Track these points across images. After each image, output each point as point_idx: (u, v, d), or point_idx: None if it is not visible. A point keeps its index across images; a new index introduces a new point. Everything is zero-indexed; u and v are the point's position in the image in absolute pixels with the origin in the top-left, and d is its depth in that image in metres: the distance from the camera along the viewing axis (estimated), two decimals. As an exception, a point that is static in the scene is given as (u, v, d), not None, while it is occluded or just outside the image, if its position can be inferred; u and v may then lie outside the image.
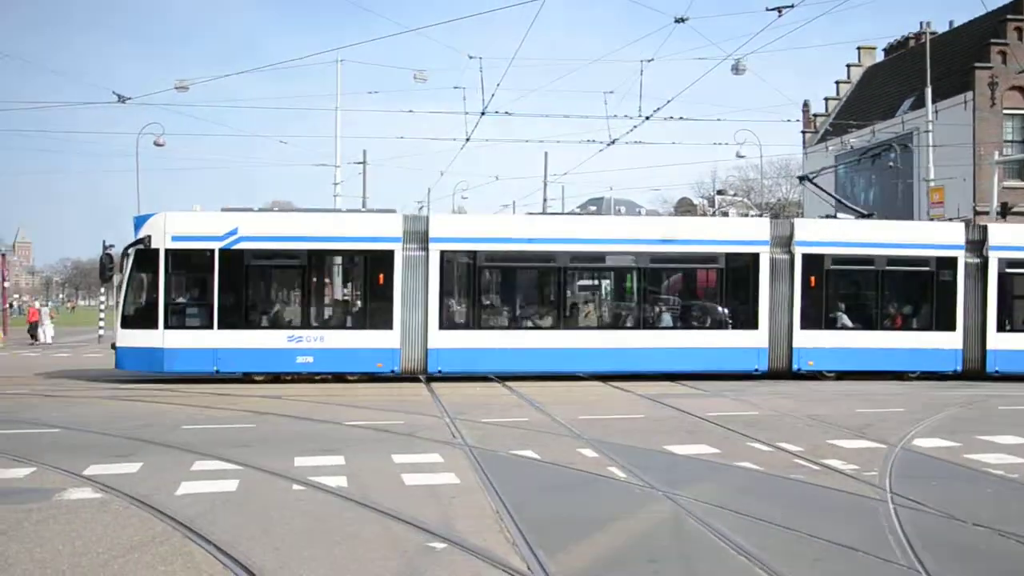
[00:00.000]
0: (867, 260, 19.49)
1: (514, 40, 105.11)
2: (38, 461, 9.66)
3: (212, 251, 17.87)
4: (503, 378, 18.52)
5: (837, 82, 43.99)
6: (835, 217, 21.51)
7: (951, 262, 19.46)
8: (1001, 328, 19.49)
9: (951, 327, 19.31)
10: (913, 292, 20.17)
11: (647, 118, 23.11)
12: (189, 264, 18.26)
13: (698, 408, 14.15)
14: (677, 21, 18.00)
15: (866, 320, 19.70)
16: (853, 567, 6.32)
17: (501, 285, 20.36)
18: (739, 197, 75.77)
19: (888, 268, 19.58)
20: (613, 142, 25.47)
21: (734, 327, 19.20)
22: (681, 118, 26.50)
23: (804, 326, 19.03)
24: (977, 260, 19.57)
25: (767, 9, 16.18)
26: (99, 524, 7.23)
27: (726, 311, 19.41)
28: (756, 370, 18.92)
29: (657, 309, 19.49)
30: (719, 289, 19.61)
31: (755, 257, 19.07)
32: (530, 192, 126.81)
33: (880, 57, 43.61)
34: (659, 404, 14.97)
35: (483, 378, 18.64)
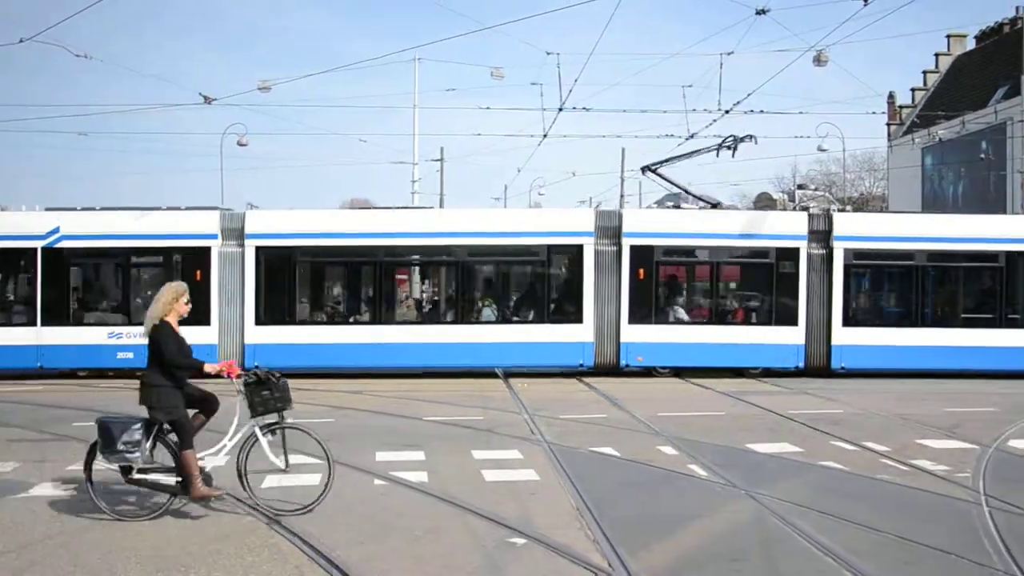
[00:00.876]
0: (701, 251, 18.91)
1: (592, 35, 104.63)
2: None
3: (35, 250, 18.24)
4: (575, 375, 18.44)
5: (924, 72, 42.71)
6: (678, 207, 20.69)
7: (792, 253, 18.65)
8: (847, 322, 18.61)
9: (793, 322, 18.48)
10: (754, 285, 19.45)
11: (726, 112, 22.72)
12: (13, 263, 18.82)
13: (780, 405, 13.90)
14: (758, 13, 17.64)
15: (703, 314, 19.05)
16: (947, 570, 6.14)
17: (320, 281, 20.61)
18: (820, 192, 74.27)
19: (726, 260, 19.03)
20: (692, 136, 25.10)
21: (558, 321, 18.71)
22: (761, 111, 26.05)
23: (633, 320, 18.41)
24: (822, 251, 18.77)
25: (852, -2, 15.74)
26: (188, 515, 7.43)
27: (551, 305, 19.02)
28: (581, 365, 18.39)
29: (479, 303, 19.20)
30: (543, 282, 19.14)
31: (579, 249, 18.56)
32: (607, 188, 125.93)
33: (971, 45, 42.17)
34: (740, 401, 14.75)
35: (561, 375, 18.61)
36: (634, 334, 18.44)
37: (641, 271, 18.61)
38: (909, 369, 18.32)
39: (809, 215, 19.52)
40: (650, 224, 19.24)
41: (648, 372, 18.62)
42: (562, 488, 8.43)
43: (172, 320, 7.39)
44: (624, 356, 18.42)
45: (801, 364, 18.53)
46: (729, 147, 19.72)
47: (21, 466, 9.33)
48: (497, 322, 18.99)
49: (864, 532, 6.90)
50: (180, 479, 7.22)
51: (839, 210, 20.94)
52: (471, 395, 15.61)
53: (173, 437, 7.33)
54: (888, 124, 42.26)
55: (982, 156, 33.86)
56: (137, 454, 7.11)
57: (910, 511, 7.72)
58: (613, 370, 18.57)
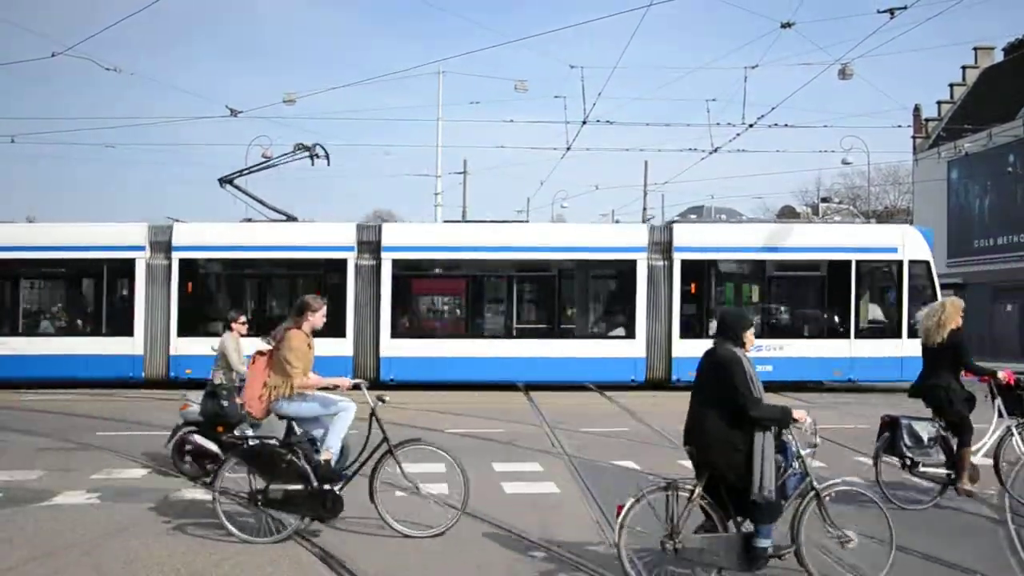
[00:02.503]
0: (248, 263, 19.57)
1: (615, 49, 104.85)
2: (154, 462, 10.06)
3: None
4: (600, 387, 18.38)
5: (951, 85, 42.35)
6: (250, 220, 20.54)
7: (341, 264, 18.99)
8: (684, 335, 18.87)
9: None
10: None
11: (750, 126, 22.68)
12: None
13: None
14: (783, 26, 17.61)
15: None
16: (971, 590, 6.05)
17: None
18: (844, 205, 73.80)
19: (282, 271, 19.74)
20: (715, 150, 25.10)
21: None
22: (786, 125, 26.05)
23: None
24: (372, 262, 18.99)
25: (878, 11, 15.65)
26: (210, 525, 7.46)
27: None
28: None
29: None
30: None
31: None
32: (630, 201, 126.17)
33: (999, 57, 41.81)
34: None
35: (580, 387, 18.57)
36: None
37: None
38: None
39: (358, 227, 19.80)
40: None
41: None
42: (583, 501, 8.41)
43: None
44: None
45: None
46: (304, 157, 19.95)
47: (47, 474, 9.42)
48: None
49: (887, 549, 6.82)
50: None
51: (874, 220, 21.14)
52: (492, 407, 15.61)
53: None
54: (914, 137, 41.93)
55: (1009, 169, 33.53)
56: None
57: (935, 528, 7.62)
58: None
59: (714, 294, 19.87)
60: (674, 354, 18.81)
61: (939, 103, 42.56)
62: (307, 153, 19.73)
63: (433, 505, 7.36)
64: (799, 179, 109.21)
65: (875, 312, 19.90)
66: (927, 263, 19.39)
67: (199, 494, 8.59)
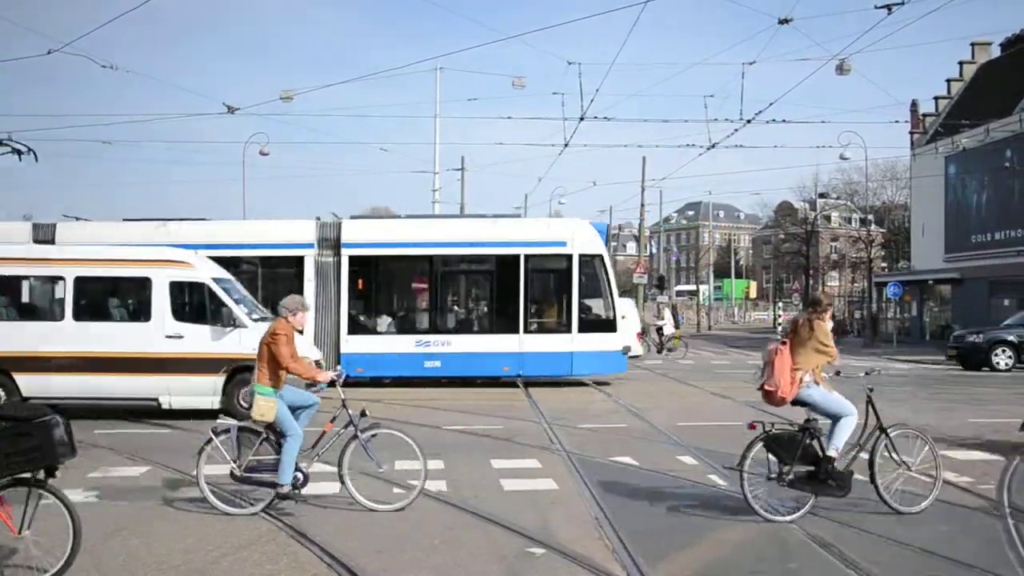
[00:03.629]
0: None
1: (613, 45, 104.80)
2: (152, 460, 10.08)
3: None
4: (596, 384, 18.40)
5: (948, 80, 42.39)
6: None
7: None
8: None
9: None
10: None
11: (748, 121, 22.67)
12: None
13: (801, 415, 13.75)
14: (781, 22, 17.61)
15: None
16: (969, 584, 6.06)
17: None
18: (842, 200, 73.81)
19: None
20: (713, 146, 25.10)
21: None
22: (784, 121, 26.18)
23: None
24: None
25: (876, 7, 15.64)
26: (209, 523, 7.47)
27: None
28: None
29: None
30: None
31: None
32: (628, 197, 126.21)
33: (996, 53, 41.84)
34: (760, 411, 14.63)
35: (578, 383, 18.58)
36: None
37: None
38: None
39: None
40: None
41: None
42: (581, 498, 8.41)
43: None
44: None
45: None
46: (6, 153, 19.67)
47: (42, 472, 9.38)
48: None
49: (886, 544, 6.84)
50: None
51: (878, 221, 20.96)
52: (490, 404, 15.61)
53: None
54: (911, 133, 41.95)
55: (1007, 164, 33.55)
56: None
57: (933, 523, 7.63)
58: None
59: (382, 290, 19.86)
60: (342, 350, 18.57)
61: (936, 99, 42.58)
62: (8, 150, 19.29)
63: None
64: (797, 175, 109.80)
65: (545, 307, 19.96)
66: (599, 257, 19.45)
67: (197, 492, 8.57)
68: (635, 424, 13.33)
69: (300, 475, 7.77)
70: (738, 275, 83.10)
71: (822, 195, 72.34)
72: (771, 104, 28.69)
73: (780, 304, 54.03)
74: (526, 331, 18.97)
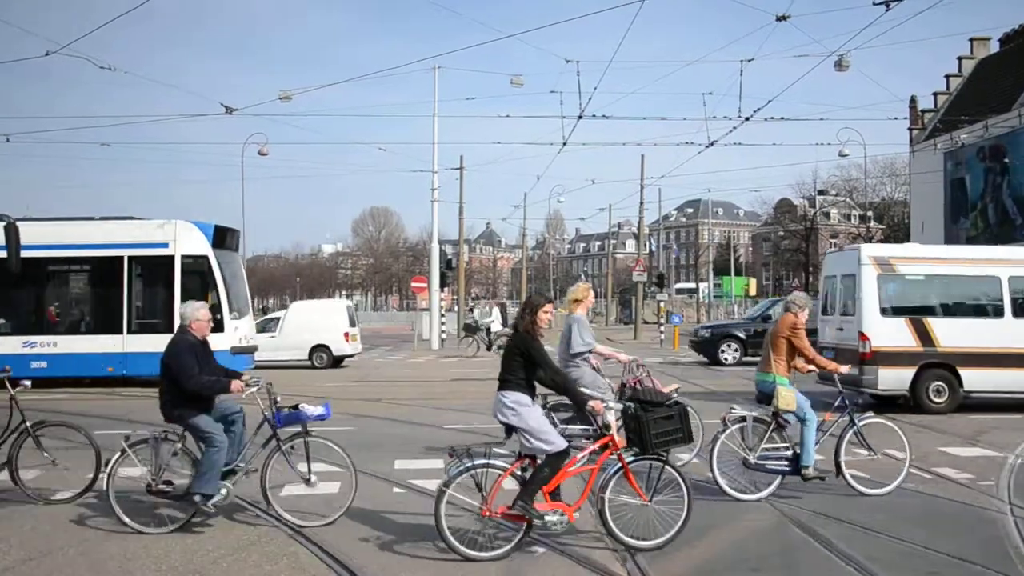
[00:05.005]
0: None
1: (611, 43, 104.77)
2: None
3: None
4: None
5: (947, 76, 42.32)
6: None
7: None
8: None
9: None
10: None
11: (747, 119, 22.69)
12: None
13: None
14: (779, 19, 17.59)
15: None
16: (970, 581, 6.04)
17: None
18: (841, 197, 73.85)
19: None
20: (712, 144, 25.13)
21: None
22: (782, 118, 25.93)
23: None
24: None
25: (874, 3, 15.61)
26: (208, 523, 7.45)
27: None
28: None
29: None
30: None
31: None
32: (627, 195, 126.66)
33: (995, 48, 41.77)
34: (761, 407, 14.61)
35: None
36: None
37: None
38: None
39: None
40: None
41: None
42: (581, 496, 8.36)
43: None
44: None
45: None
46: None
47: (42, 474, 9.36)
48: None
49: (886, 541, 6.83)
50: None
51: (878, 217, 20.83)
52: (490, 402, 15.55)
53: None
54: (910, 129, 41.88)
55: (1006, 160, 33.53)
56: None
57: (933, 519, 7.62)
58: None
59: None
60: None
61: (935, 94, 42.51)
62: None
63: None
64: (796, 172, 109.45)
65: (149, 307, 20.15)
66: (204, 257, 19.57)
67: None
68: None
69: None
70: (738, 272, 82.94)
71: (821, 192, 72.35)
72: (770, 101, 28.84)
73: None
74: (130, 331, 19.39)
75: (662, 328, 37.45)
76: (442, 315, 35.24)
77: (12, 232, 13.99)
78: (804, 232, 62.01)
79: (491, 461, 6.45)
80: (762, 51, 77.34)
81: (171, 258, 19.43)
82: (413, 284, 41.05)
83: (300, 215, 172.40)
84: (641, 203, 46.81)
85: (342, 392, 17.59)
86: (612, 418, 6.66)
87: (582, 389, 7.70)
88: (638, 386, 8.67)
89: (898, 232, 60.39)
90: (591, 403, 6.70)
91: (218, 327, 17.96)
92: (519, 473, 6.53)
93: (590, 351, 9.23)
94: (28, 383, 8.93)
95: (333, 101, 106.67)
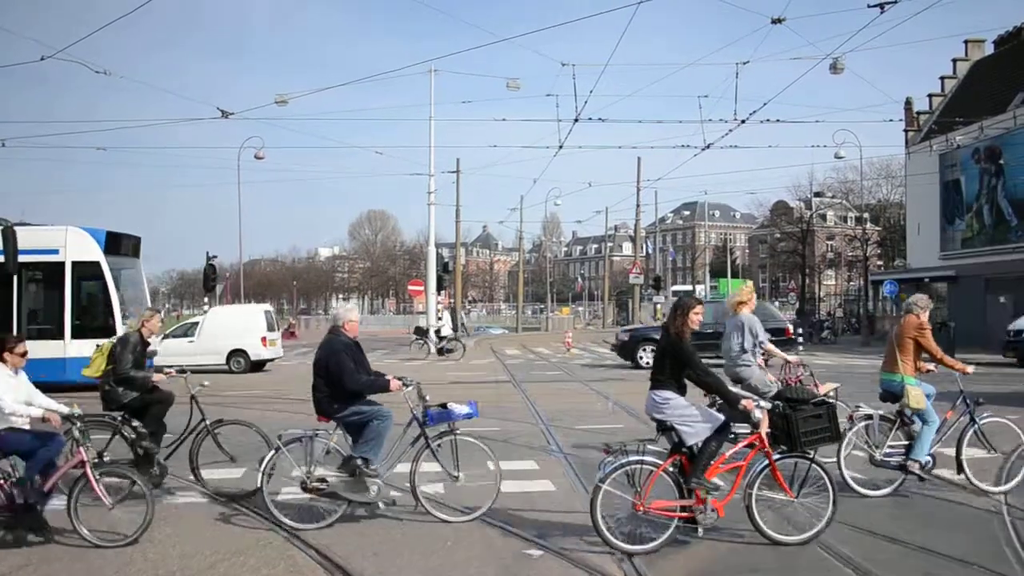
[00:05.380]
0: None
1: (607, 46, 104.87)
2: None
3: None
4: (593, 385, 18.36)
5: (942, 78, 42.41)
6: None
7: None
8: None
9: None
10: None
11: (743, 121, 22.69)
12: None
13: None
14: (774, 22, 17.62)
15: None
16: (968, 582, 6.05)
17: None
18: (837, 199, 73.92)
19: None
20: (708, 146, 25.13)
21: None
22: (778, 120, 25.97)
23: None
24: None
25: (868, 5, 15.64)
26: (206, 527, 7.44)
27: None
28: None
29: None
30: None
31: None
32: (624, 198, 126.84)
33: (989, 50, 41.87)
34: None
35: (577, 384, 18.54)
36: None
37: None
38: None
39: None
40: None
41: None
42: (579, 499, 8.37)
43: None
44: None
45: None
46: None
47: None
48: None
49: (884, 542, 6.84)
50: None
51: (874, 219, 20.95)
52: (486, 405, 15.55)
53: None
54: (905, 131, 41.96)
55: (1001, 162, 33.62)
56: None
57: (930, 520, 7.63)
58: None
59: None
60: None
61: (930, 96, 42.60)
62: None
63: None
64: (792, 174, 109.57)
65: (41, 313, 20.02)
66: (95, 263, 19.53)
67: (194, 496, 8.56)
68: (633, 425, 13.28)
69: None
70: (734, 275, 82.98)
71: (817, 194, 72.37)
72: (765, 104, 28.92)
73: (777, 303, 54.11)
74: None
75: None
76: (439, 317, 35.21)
77: (10, 236, 14.03)
78: (800, 234, 61.95)
79: (644, 458, 6.68)
80: (758, 53, 77.60)
81: (62, 264, 19.38)
82: (410, 287, 41.13)
83: (297, 218, 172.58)
84: (638, 205, 46.91)
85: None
86: (761, 416, 6.81)
87: (752, 386, 8.90)
88: (792, 385, 8.77)
89: (894, 234, 60.47)
90: (743, 402, 6.84)
91: (111, 332, 17.92)
92: (671, 470, 6.73)
93: (762, 350, 9.79)
94: (207, 382, 9.20)
95: (329, 105, 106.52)
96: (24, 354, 7.43)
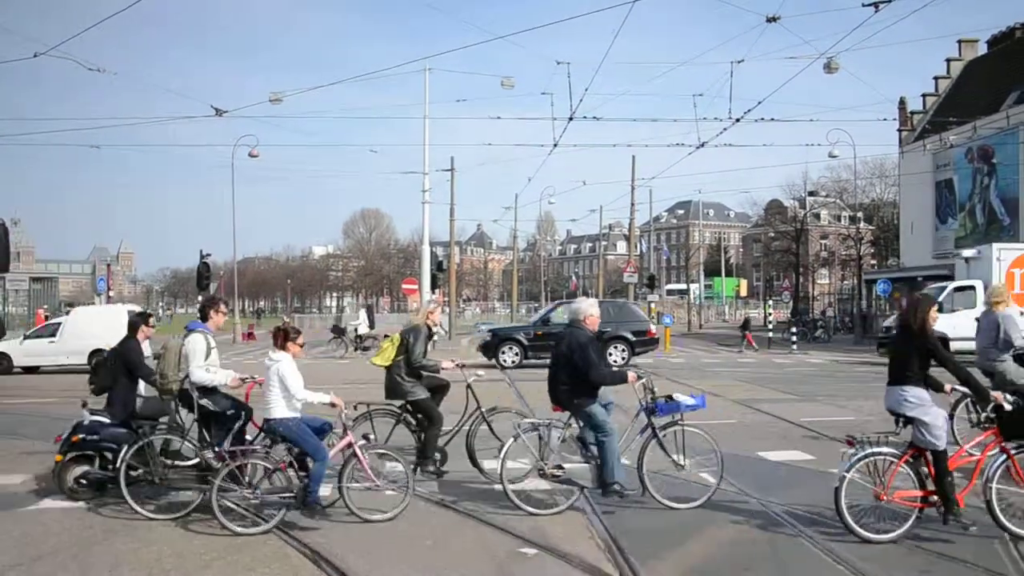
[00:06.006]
0: None
1: (602, 44, 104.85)
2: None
3: None
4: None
5: (936, 78, 42.54)
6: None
7: None
8: None
9: None
10: None
11: (737, 120, 22.69)
12: None
13: (792, 413, 13.82)
14: (768, 21, 17.63)
15: None
16: (961, 580, 6.07)
17: None
18: (831, 198, 74.02)
19: None
20: (702, 145, 25.12)
21: None
22: (772, 119, 25.95)
23: None
24: None
25: (863, 5, 15.66)
26: (201, 526, 7.42)
27: None
28: None
29: None
30: None
31: None
32: (618, 196, 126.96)
33: (983, 50, 42.01)
34: (751, 409, 14.68)
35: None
36: None
37: None
38: None
39: None
40: None
41: None
42: (572, 497, 8.37)
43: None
44: None
45: None
46: None
47: (31, 478, 9.34)
48: None
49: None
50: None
51: (867, 219, 21.14)
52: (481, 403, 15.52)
53: None
54: (899, 130, 42.08)
55: (994, 161, 33.74)
56: None
57: (924, 520, 7.64)
58: None
59: None
60: None
61: (924, 96, 42.73)
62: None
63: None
64: (786, 173, 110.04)
65: None
66: None
67: (187, 495, 8.53)
68: (626, 422, 13.28)
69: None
70: (728, 273, 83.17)
71: (811, 193, 72.46)
72: (760, 103, 28.84)
73: (771, 302, 54.17)
74: None
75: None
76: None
77: (3, 234, 13.96)
78: (794, 233, 62.05)
79: (885, 450, 6.94)
80: (752, 52, 77.65)
81: None
82: (404, 286, 41.09)
83: (291, 217, 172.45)
84: (632, 204, 46.84)
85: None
86: (1007, 407, 7.00)
87: (1009, 380, 9.24)
88: None
89: (887, 234, 60.60)
90: (993, 394, 7.05)
91: None
92: (911, 461, 6.96)
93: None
94: (482, 372, 9.90)
95: (324, 103, 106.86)
96: (302, 345, 7.99)
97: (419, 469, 8.85)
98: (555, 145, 26.79)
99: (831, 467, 9.61)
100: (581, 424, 7.95)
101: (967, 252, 28.66)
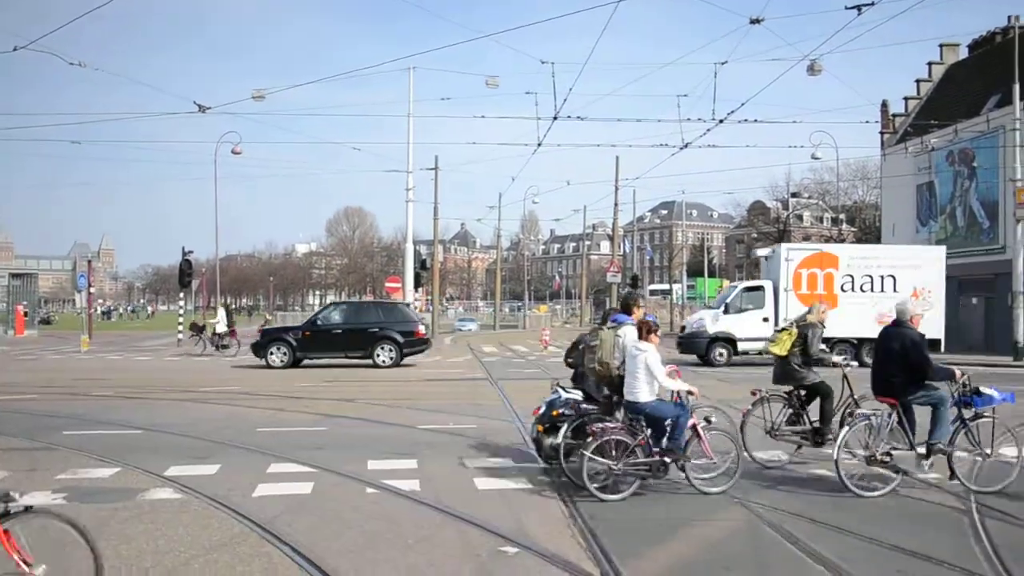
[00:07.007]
0: None
1: (586, 45, 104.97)
2: (122, 462, 9.93)
3: None
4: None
5: (918, 81, 42.80)
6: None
7: None
8: None
9: None
10: None
11: (721, 121, 22.81)
12: None
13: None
14: (752, 22, 17.73)
15: None
16: (938, 579, 6.13)
17: None
18: (814, 200, 74.44)
19: None
20: (686, 146, 25.24)
21: None
22: (756, 120, 26.15)
23: None
24: None
25: (846, 8, 15.77)
26: (180, 524, 7.40)
27: None
28: None
29: None
30: None
31: None
32: (602, 196, 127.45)
33: (964, 54, 42.30)
34: (732, 409, 14.71)
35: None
36: None
37: None
38: None
39: None
40: None
41: None
42: (555, 496, 8.41)
43: None
44: None
45: None
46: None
47: (11, 475, 9.27)
48: None
49: (856, 540, 6.90)
50: None
51: (849, 220, 21.45)
52: (464, 403, 15.57)
53: None
54: (881, 133, 42.31)
55: (975, 164, 33.99)
56: None
57: (902, 519, 7.71)
58: None
59: None
60: None
61: (906, 99, 42.99)
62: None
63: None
64: (769, 174, 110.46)
65: None
66: None
67: (167, 493, 8.51)
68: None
69: None
70: (711, 274, 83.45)
71: (794, 194, 72.85)
72: (743, 104, 29.01)
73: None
74: None
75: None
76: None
77: None
78: (777, 234, 62.38)
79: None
80: (736, 54, 77.77)
81: None
82: (387, 284, 41.00)
83: (274, 214, 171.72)
84: (615, 204, 46.98)
85: (313, 392, 17.51)
86: None
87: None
88: None
89: (869, 235, 60.96)
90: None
91: None
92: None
93: None
94: (855, 363, 11.01)
95: (308, 101, 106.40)
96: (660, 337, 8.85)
97: (822, 444, 9.83)
98: (539, 145, 26.90)
99: (812, 467, 9.74)
100: (902, 413, 8.64)
101: (762, 251, 29.45)
